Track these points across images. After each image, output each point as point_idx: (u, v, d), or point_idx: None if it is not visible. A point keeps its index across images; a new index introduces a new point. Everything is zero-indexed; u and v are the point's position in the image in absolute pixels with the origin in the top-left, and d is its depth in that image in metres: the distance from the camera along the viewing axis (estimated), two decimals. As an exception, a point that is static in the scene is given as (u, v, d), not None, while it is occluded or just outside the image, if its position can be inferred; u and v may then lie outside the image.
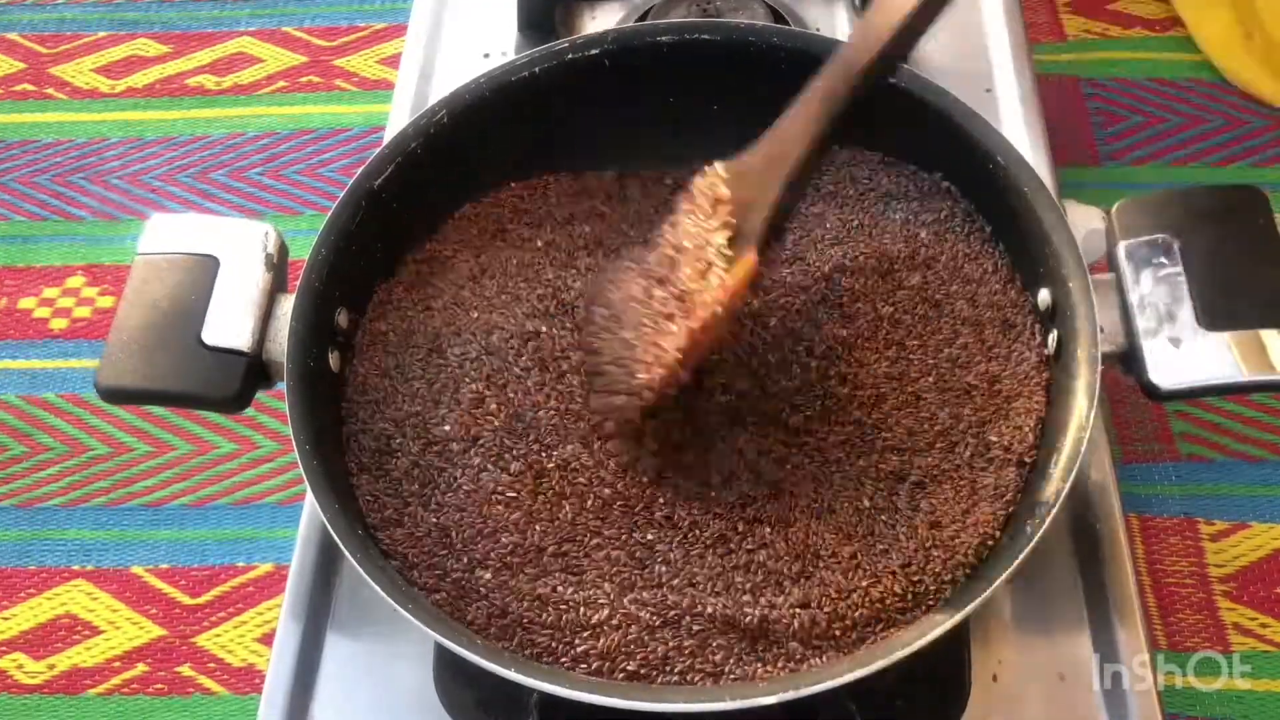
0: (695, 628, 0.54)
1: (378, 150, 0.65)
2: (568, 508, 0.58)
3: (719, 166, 0.58)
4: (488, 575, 0.56)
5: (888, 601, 0.54)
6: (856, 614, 0.54)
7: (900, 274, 0.64)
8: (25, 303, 1.08)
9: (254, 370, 0.60)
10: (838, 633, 0.53)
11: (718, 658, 0.53)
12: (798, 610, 0.54)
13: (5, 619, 0.91)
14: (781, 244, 0.58)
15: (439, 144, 0.66)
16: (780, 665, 0.53)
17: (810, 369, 0.61)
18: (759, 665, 0.53)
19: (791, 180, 0.56)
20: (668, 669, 0.53)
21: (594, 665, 0.53)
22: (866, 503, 0.57)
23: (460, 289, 0.66)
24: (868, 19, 0.56)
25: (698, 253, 0.55)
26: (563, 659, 0.54)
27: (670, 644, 0.54)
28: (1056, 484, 0.53)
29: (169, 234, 0.64)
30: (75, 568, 0.94)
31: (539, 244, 0.68)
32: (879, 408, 0.60)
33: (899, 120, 0.65)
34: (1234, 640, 0.85)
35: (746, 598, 0.55)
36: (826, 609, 0.54)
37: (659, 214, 0.69)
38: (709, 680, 0.53)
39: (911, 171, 0.68)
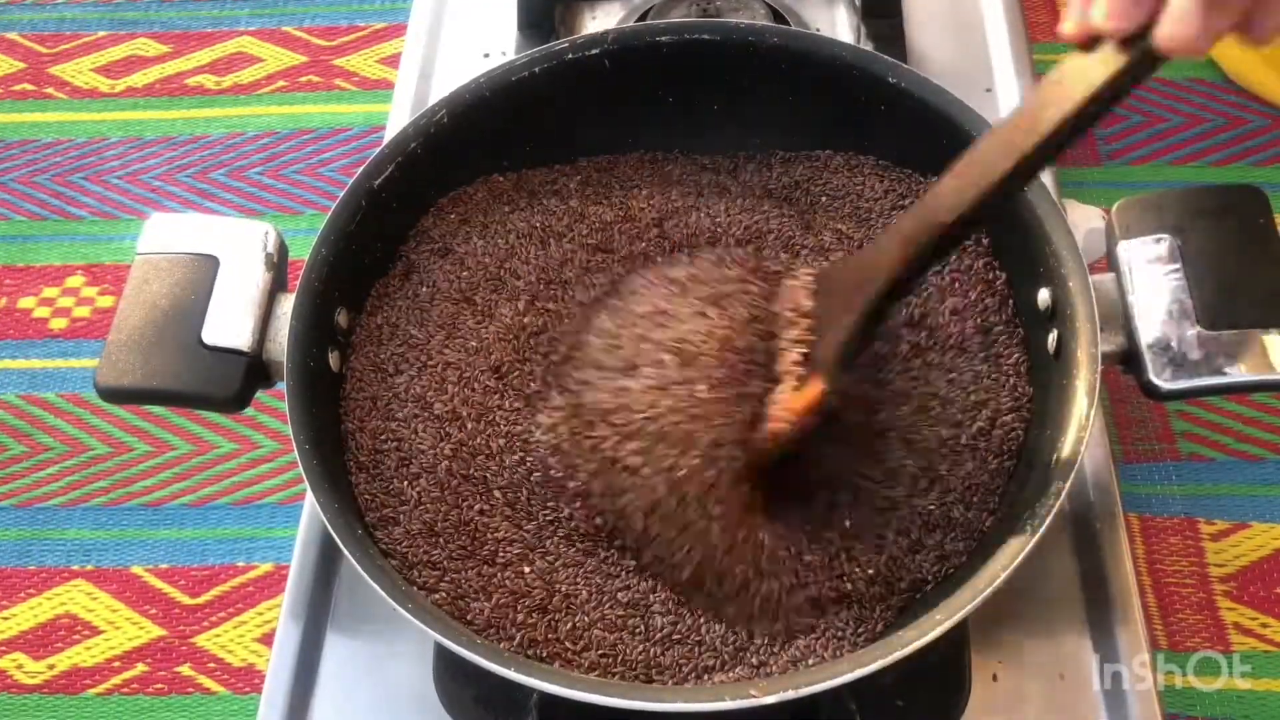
0: (701, 626, 0.54)
1: (378, 150, 0.65)
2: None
3: (806, 274, 0.56)
4: (490, 572, 0.56)
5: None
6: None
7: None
8: (25, 302, 1.08)
9: (254, 370, 0.60)
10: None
11: (720, 660, 0.53)
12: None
13: (5, 619, 0.91)
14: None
15: (439, 144, 0.66)
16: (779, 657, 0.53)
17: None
18: (763, 663, 0.53)
19: (870, 312, 0.53)
20: (668, 669, 0.53)
21: (594, 663, 0.53)
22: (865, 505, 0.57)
23: (449, 279, 0.66)
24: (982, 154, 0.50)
25: (778, 355, 0.55)
26: (564, 658, 0.54)
27: (672, 643, 0.54)
28: (1056, 483, 0.53)
29: (169, 233, 0.64)
30: (75, 568, 0.94)
31: (531, 225, 0.68)
32: (876, 415, 0.60)
33: (898, 120, 0.65)
34: (1234, 640, 0.84)
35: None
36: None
37: (653, 201, 0.69)
38: (709, 680, 0.53)
39: (907, 174, 0.67)
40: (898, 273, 0.52)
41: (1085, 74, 0.45)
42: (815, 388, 0.53)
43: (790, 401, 0.53)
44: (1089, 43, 0.45)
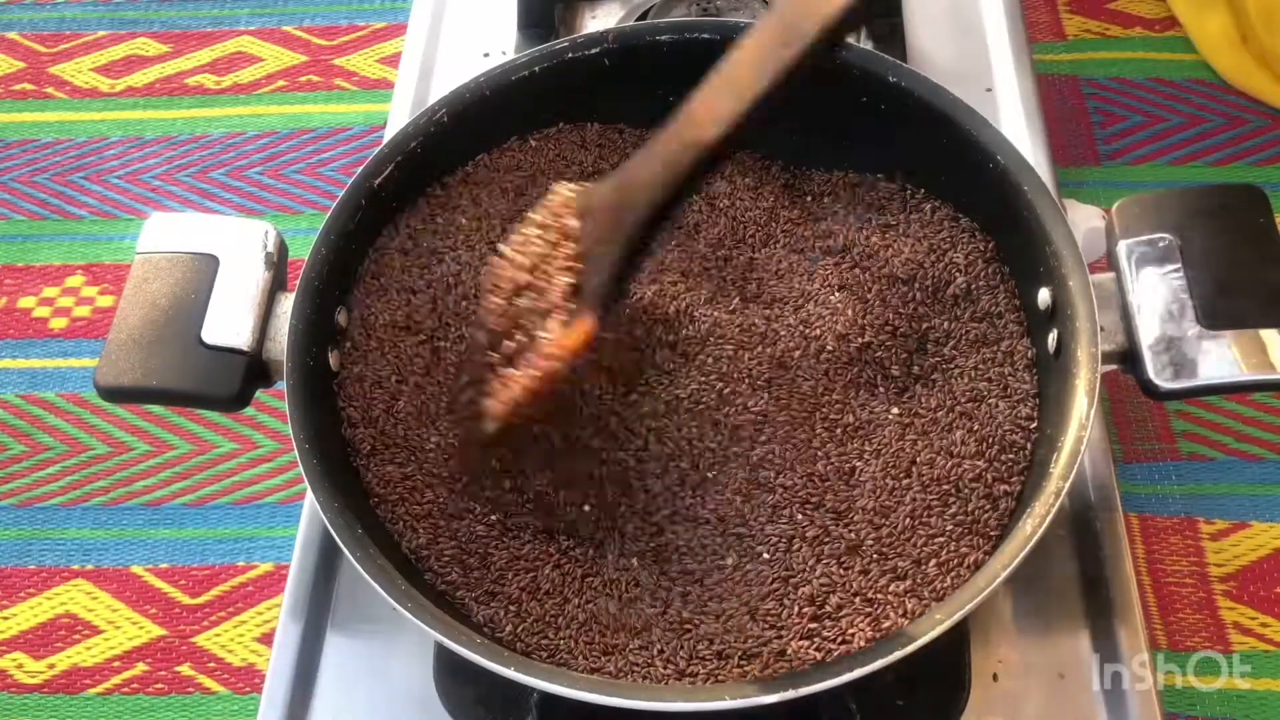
0: (707, 622, 0.54)
1: (378, 149, 0.65)
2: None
3: (568, 190, 0.53)
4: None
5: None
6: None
7: (897, 283, 0.64)
8: (25, 302, 1.08)
9: (254, 369, 0.60)
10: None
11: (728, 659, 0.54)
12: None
13: (5, 619, 0.91)
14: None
15: (439, 143, 0.66)
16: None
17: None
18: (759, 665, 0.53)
19: (634, 240, 0.52)
20: (665, 668, 0.54)
21: (604, 664, 0.54)
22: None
23: (443, 270, 0.65)
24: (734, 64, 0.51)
25: (542, 289, 0.53)
26: (569, 658, 0.54)
27: (677, 640, 0.54)
28: (1056, 483, 0.53)
29: (168, 233, 0.64)
30: (75, 567, 0.94)
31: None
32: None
33: (898, 119, 0.65)
34: (1234, 640, 0.85)
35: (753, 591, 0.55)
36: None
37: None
38: (711, 679, 0.53)
39: (900, 188, 0.68)
40: (661, 197, 0.51)
41: None
42: (585, 324, 0.52)
43: (561, 339, 0.52)
44: None
